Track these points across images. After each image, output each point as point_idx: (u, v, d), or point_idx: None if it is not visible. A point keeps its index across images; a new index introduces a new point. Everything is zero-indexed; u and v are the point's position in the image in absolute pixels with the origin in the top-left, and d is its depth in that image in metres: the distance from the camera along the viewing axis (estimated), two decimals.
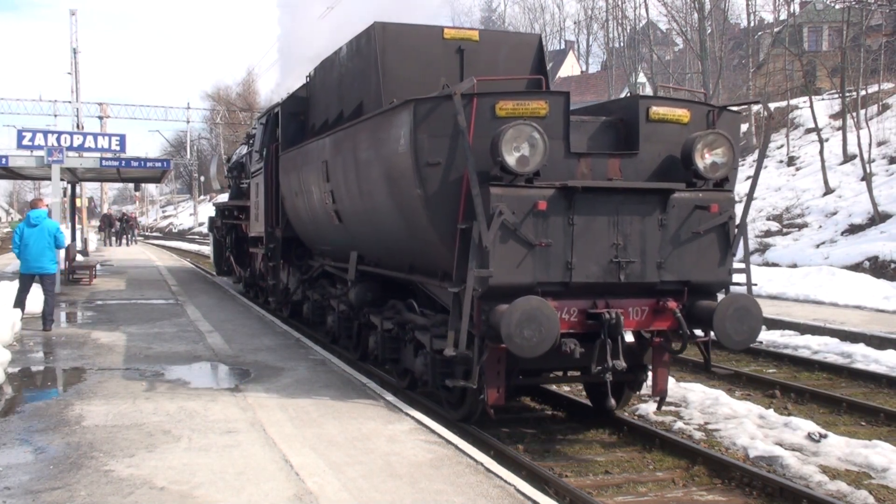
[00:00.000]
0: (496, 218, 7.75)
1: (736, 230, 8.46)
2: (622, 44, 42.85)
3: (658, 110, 8.44)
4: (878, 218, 26.80)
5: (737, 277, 8.65)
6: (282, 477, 6.44)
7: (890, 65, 36.65)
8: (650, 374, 9.19)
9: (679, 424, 9.78)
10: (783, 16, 39.88)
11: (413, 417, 8.37)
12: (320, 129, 12.86)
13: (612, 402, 8.40)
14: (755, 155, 35.45)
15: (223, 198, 33.61)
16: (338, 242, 12.16)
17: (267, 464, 6.77)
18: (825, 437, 8.99)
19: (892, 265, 23.51)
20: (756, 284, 8.70)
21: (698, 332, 8.62)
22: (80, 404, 8.83)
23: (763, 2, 59.37)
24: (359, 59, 11.23)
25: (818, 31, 47.38)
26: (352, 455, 7.03)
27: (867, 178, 27.49)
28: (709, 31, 32.54)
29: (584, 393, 10.82)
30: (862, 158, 28.10)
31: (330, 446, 7.28)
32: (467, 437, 8.42)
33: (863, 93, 32.61)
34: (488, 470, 6.70)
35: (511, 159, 7.84)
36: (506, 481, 6.43)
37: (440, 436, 7.71)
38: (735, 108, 9.05)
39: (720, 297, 8.58)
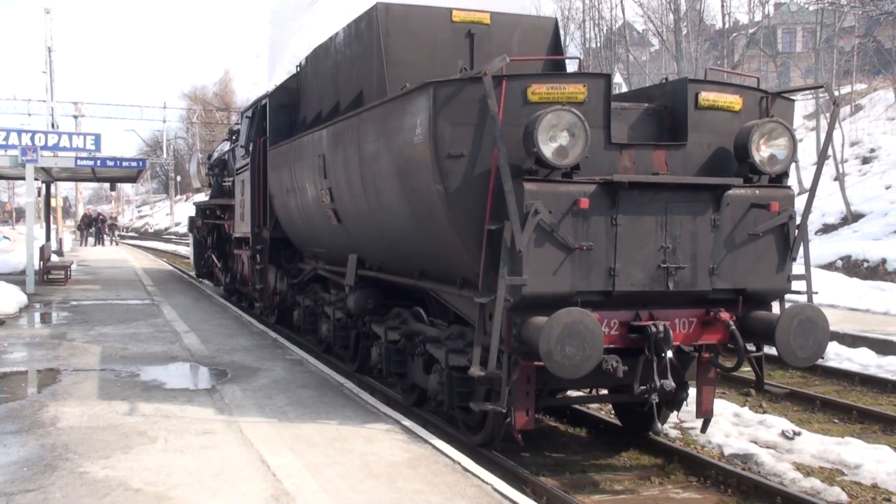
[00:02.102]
0: (531, 217, 6.52)
1: (797, 231, 7.29)
2: (598, 44, 41.89)
3: (708, 96, 7.23)
4: (850, 217, 26.36)
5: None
6: (259, 478, 6.26)
7: (862, 66, 36.03)
8: (690, 391, 8.03)
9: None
10: (758, 17, 39.27)
11: (390, 417, 8.03)
12: (313, 121, 11.53)
13: (659, 425, 7.22)
14: None
15: (199, 197, 32.20)
16: (335, 244, 10.83)
17: (244, 464, 6.56)
18: (799, 434, 8.74)
19: (865, 264, 22.92)
20: (817, 293, 7.50)
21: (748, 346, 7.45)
22: (54, 406, 8.46)
23: (738, 3, 59.09)
24: (358, 45, 9.94)
25: (792, 33, 46.92)
26: (329, 455, 6.81)
27: (840, 178, 26.95)
28: (684, 31, 31.67)
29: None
30: (835, 159, 27.46)
31: (307, 446, 7.04)
32: (444, 435, 7.99)
33: (836, 94, 31.86)
34: (466, 469, 6.49)
35: (548, 150, 6.61)
36: (483, 480, 6.23)
37: (417, 435, 7.42)
38: (791, 95, 7.86)
39: (774, 306, 7.44)
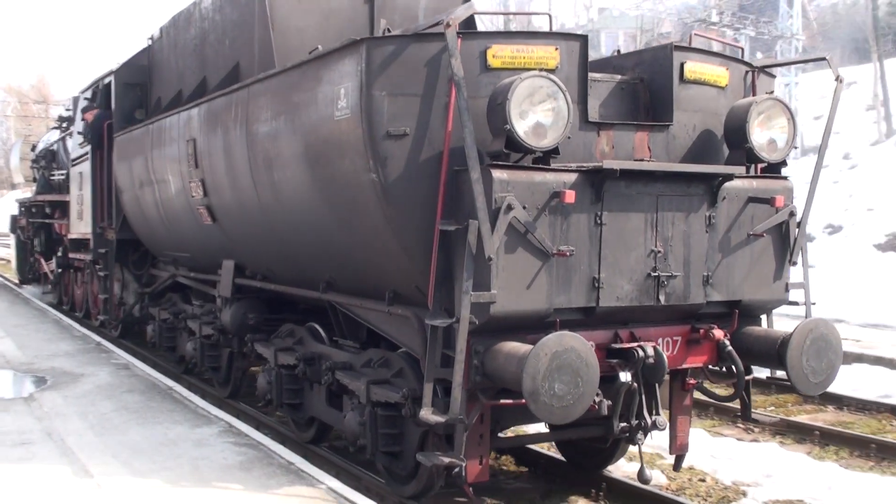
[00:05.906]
0: (503, 215, 4.74)
1: (797, 231, 5.80)
2: None
3: (694, 67, 5.64)
4: None
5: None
6: (81, 488, 5.69)
7: None
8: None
9: None
10: (583, 21, 39.25)
11: (222, 420, 7.50)
12: (171, 102, 9.16)
13: (648, 472, 5.59)
14: None
15: (19, 194, 28.25)
16: (205, 248, 8.51)
17: (65, 475, 5.95)
18: None
19: None
20: (815, 303, 6.05)
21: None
22: None
23: (564, 6, 59.60)
24: (233, 9, 7.77)
25: (614, 37, 47.38)
26: (157, 461, 6.28)
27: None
28: None
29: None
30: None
31: (134, 454, 6.48)
32: (278, 437, 7.52)
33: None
34: (300, 470, 6.13)
35: (522, 128, 4.84)
36: (318, 480, 5.91)
37: (250, 437, 6.96)
38: (774, 70, 6.41)
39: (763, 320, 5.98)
